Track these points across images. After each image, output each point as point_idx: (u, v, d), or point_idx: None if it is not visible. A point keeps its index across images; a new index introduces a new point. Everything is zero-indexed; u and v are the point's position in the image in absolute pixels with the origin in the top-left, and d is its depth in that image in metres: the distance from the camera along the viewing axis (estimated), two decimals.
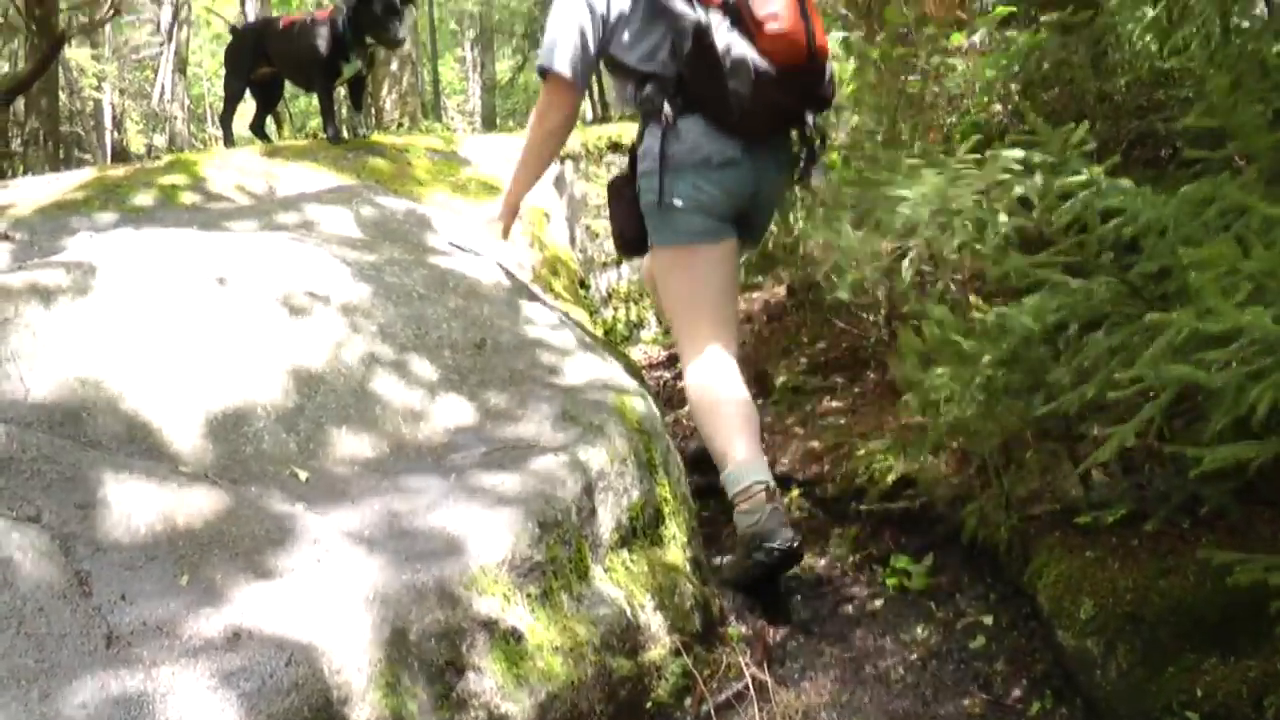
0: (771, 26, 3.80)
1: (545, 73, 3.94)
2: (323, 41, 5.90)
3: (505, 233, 4.25)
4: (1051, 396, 2.77)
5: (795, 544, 3.59)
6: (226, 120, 6.88)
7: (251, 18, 12.80)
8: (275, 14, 20.59)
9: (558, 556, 2.58)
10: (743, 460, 3.66)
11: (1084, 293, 2.58)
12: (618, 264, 8.36)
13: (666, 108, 3.85)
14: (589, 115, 20.01)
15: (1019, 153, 2.85)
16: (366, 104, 7.36)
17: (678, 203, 3.83)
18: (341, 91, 6.34)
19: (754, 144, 3.94)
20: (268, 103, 7.10)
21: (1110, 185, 2.57)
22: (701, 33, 3.76)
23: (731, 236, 3.97)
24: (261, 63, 6.49)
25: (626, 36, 3.94)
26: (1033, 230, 2.84)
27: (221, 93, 7.57)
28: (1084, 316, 2.64)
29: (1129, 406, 2.59)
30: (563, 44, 3.91)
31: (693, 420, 4.20)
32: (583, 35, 3.91)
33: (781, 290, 7.56)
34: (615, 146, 8.68)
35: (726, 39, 3.77)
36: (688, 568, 3.14)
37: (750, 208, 4.01)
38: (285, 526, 2.39)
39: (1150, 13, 3.78)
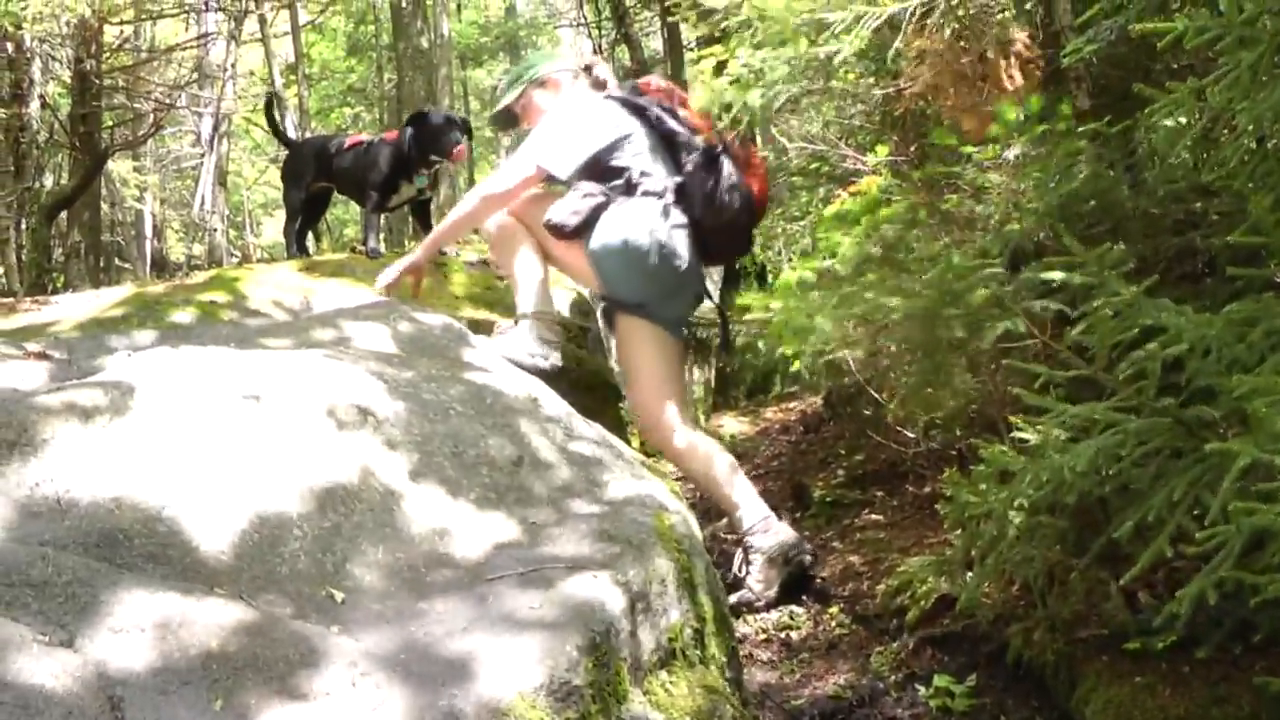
0: (757, 161, 4.85)
1: (540, 169, 4.62)
2: (385, 160, 6.08)
3: (416, 289, 4.89)
4: (1110, 544, 2.75)
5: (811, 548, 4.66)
6: (290, 233, 6.95)
7: (291, 132, 12.91)
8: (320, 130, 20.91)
9: (596, 680, 2.54)
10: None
11: (1138, 432, 2.56)
12: None
13: (669, 195, 4.63)
14: None
15: (1058, 274, 2.85)
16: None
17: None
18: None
19: (703, 262, 4.84)
20: (312, 217, 7.22)
21: (1150, 305, 2.55)
22: (713, 154, 4.67)
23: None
24: (321, 177, 6.63)
25: (629, 151, 4.70)
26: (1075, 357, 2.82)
27: (259, 202, 7.68)
28: (1135, 454, 2.61)
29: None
30: (573, 153, 4.65)
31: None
32: (589, 153, 4.65)
33: (818, 401, 7.55)
34: None
35: (730, 166, 4.65)
36: (728, 689, 3.09)
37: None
38: (320, 649, 2.36)
39: (1184, 120, 3.78)
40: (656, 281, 4.65)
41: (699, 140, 4.75)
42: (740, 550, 4.62)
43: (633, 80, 5.08)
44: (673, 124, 4.75)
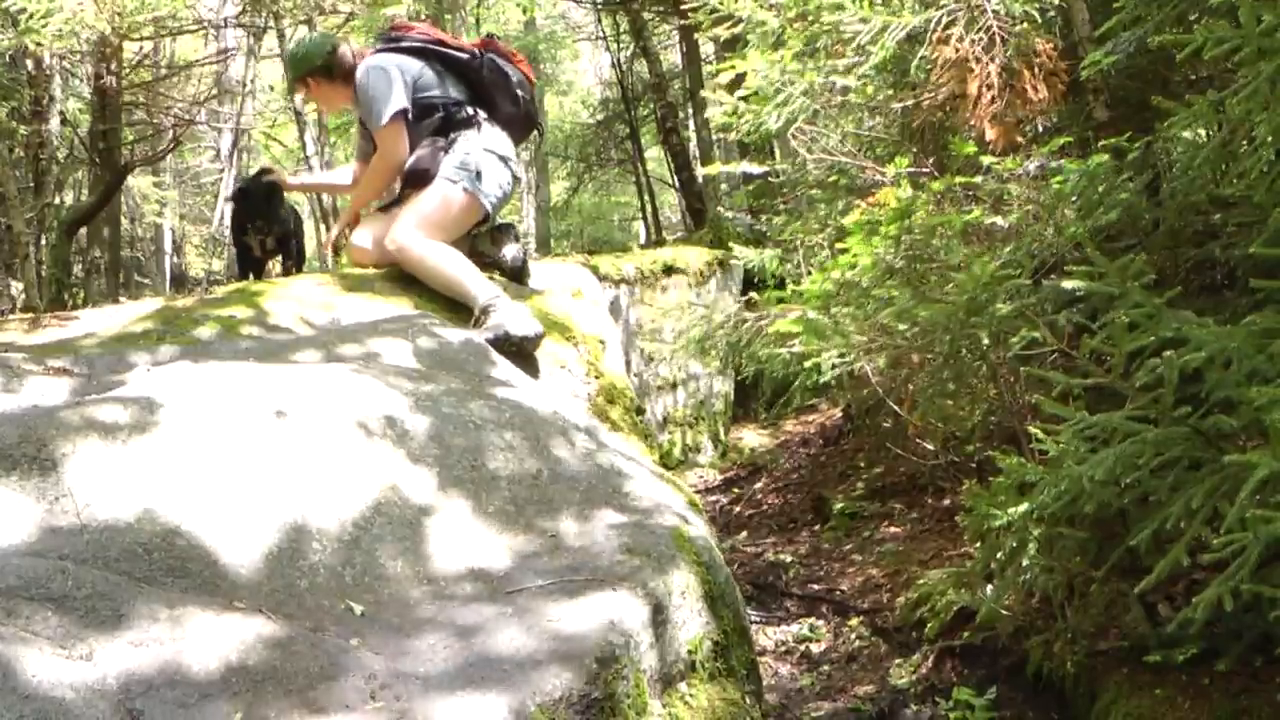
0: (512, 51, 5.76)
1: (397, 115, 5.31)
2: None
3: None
4: (1130, 556, 2.74)
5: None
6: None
7: (310, 148, 12.93)
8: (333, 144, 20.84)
9: (616, 692, 2.53)
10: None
11: (1156, 443, 2.55)
12: (673, 389, 8.35)
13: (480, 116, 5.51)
14: (642, 237, 20.07)
15: (1079, 283, 2.84)
16: None
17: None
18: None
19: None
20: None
21: (1171, 316, 2.54)
22: (496, 64, 5.57)
23: None
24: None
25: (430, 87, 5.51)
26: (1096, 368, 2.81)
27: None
28: (1153, 463, 2.60)
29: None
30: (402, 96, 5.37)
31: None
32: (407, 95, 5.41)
33: (837, 413, 7.54)
34: (669, 270, 8.66)
35: (511, 67, 5.62)
36: (748, 701, 3.08)
37: None
38: (340, 662, 2.36)
39: (1203, 134, 3.77)
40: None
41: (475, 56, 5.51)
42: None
43: (387, 32, 5.76)
44: (451, 51, 5.50)
